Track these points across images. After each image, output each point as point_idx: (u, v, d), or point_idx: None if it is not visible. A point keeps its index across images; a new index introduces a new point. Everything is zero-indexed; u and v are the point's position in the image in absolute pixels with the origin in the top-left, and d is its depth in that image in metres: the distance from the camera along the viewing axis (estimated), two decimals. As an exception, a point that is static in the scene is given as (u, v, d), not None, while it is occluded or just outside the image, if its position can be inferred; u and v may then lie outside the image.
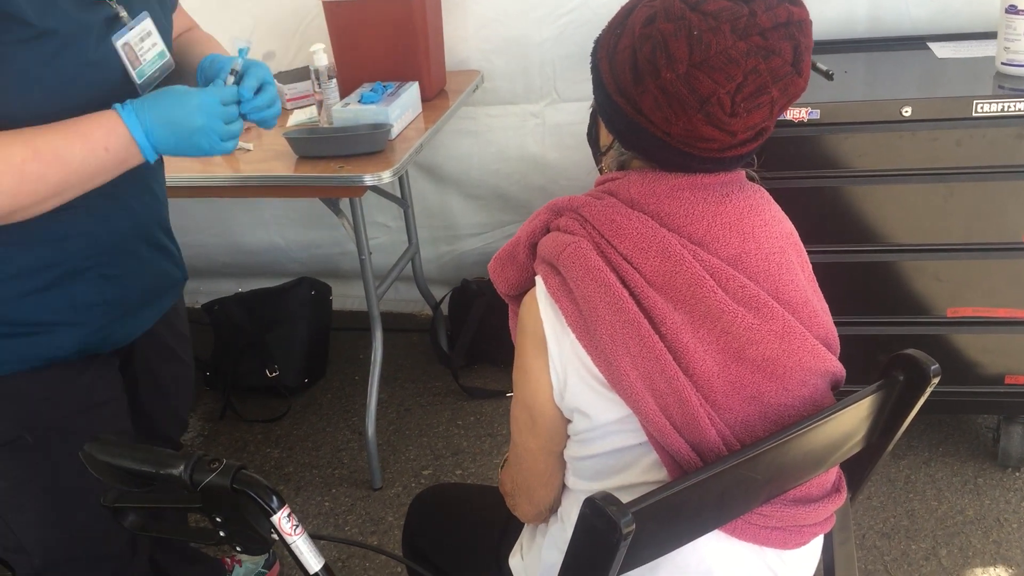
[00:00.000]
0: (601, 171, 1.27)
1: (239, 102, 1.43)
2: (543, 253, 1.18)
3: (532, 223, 1.23)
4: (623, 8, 1.15)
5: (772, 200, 1.22)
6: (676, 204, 1.13)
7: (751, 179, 1.21)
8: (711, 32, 1.03)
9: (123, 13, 1.37)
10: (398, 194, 2.99)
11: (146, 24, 1.41)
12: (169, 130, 1.33)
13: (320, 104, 2.59)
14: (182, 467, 1.05)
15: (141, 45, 1.40)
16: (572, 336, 1.13)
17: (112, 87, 1.36)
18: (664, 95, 1.06)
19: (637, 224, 1.12)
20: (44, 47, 1.25)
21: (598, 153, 1.28)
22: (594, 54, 1.17)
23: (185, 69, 1.56)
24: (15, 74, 1.24)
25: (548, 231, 1.20)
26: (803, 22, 1.07)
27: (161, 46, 1.45)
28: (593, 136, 1.29)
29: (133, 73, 1.38)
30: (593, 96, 1.19)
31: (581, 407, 1.15)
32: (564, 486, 1.29)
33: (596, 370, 1.12)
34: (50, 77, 1.27)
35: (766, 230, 1.16)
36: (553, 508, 1.31)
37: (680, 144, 1.10)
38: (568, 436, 1.22)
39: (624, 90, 1.10)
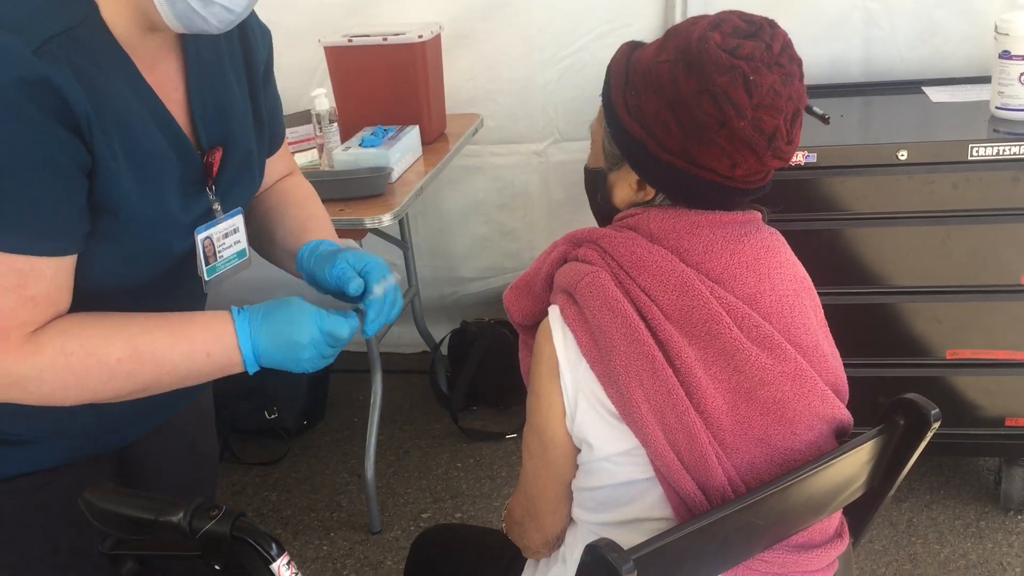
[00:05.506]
0: (601, 212, 1.27)
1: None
2: (561, 282, 1.19)
3: (550, 254, 1.24)
4: (644, 67, 1.14)
5: (787, 244, 1.23)
6: (696, 240, 1.15)
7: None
8: (756, 73, 1.07)
9: (217, 206, 1.29)
10: (399, 236, 3.01)
11: (235, 221, 1.33)
12: (277, 348, 1.20)
13: (321, 147, 2.61)
14: (181, 514, 1.04)
15: (223, 241, 1.31)
16: (585, 363, 1.13)
17: (180, 275, 1.28)
18: (731, 143, 1.09)
19: (658, 258, 1.13)
20: (133, 235, 1.17)
21: (602, 208, 1.27)
22: (617, 121, 1.16)
23: (265, 232, 1.41)
24: (96, 256, 1.16)
25: (566, 262, 1.22)
26: (785, 41, 1.13)
27: (243, 244, 1.35)
28: (600, 196, 1.26)
29: (204, 269, 1.28)
30: (616, 154, 1.19)
31: (588, 437, 1.15)
32: (570, 520, 1.28)
33: (607, 400, 1.12)
34: (125, 261, 1.19)
35: (781, 272, 1.18)
36: (560, 539, 1.30)
37: (740, 184, 1.13)
38: (577, 466, 1.22)
39: (674, 148, 1.11)
